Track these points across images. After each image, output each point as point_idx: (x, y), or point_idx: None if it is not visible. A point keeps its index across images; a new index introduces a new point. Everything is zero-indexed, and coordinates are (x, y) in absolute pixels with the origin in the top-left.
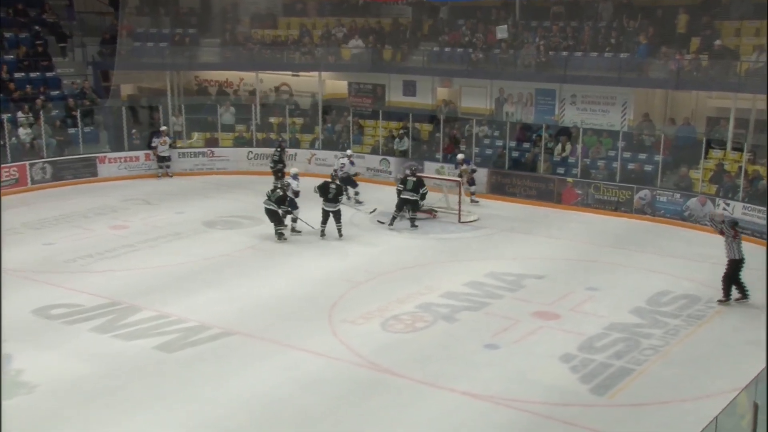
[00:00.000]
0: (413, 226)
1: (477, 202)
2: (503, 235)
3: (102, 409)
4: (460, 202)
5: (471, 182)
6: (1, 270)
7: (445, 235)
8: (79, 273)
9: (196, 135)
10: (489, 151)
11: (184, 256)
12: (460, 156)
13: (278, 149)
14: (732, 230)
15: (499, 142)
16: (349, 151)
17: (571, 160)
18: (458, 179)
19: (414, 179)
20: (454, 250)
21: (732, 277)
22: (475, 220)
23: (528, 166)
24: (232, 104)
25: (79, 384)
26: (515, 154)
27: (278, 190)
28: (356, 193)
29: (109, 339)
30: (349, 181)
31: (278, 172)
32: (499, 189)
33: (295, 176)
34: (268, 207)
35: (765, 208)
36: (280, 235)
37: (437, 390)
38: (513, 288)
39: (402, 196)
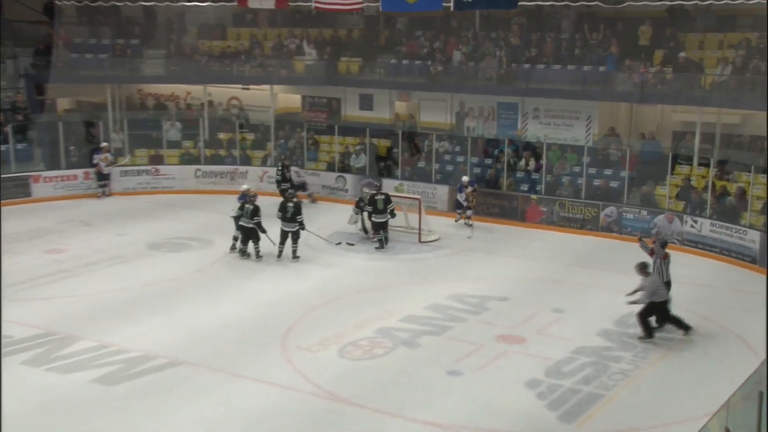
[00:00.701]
0: (382, 247)
1: (471, 225)
2: (465, 255)
3: None
4: (420, 221)
5: (472, 207)
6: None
7: (405, 256)
8: (11, 301)
9: (127, 157)
10: (450, 168)
11: (127, 281)
12: (465, 178)
13: (280, 168)
14: (663, 251)
15: (460, 158)
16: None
17: (535, 176)
18: (418, 197)
19: (383, 197)
20: (415, 271)
21: (664, 314)
22: (435, 240)
23: (490, 183)
24: (177, 119)
25: (11, 423)
26: (477, 170)
27: (247, 206)
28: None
29: (44, 372)
30: (302, 187)
31: (284, 192)
32: (460, 206)
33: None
34: (245, 225)
35: (732, 225)
36: (257, 253)
37: (398, 420)
38: (476, 311)
39: (375, 220)
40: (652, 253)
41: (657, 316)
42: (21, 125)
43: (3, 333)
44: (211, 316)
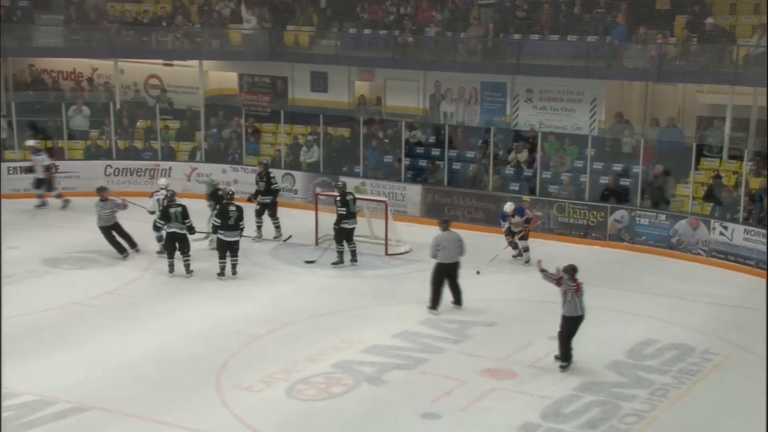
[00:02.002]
0: (342, 262)
1: (528, 261)
2: None
3: None
4: (387, 228)
5: (525, 236)
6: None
7: (369, 272)
8: None
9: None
10: (423, 163)
11: (18, 307)
12: (508, 207)
13: (261, 174)
14: (573, 281)
15: (436, 151)
16: (162, 181)
17: (528, 172)
18: (384, 199)
19: (351, 197)
20: (381, 291)
21: (567, 336)
22: (406, 252)
23: (473, 182)
24: (82, 103)
25: None
26: (456, 166)
27: (174, 210)
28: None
29: None
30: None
31: (265, 206)
32: (435, 211)
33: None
34: (177, 231)
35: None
36: (187, 267)
37: None
38: (456, 339)
39: (345, 226)
40: (558, 283)
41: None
42: None
43: None
44: (127, 349)
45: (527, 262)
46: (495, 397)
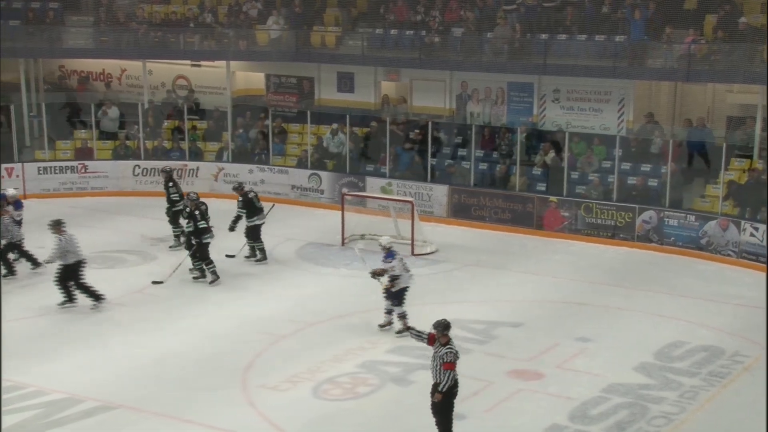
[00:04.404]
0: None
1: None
2: (468, 272)
3: None
4: (413, 228)
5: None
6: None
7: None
8: None
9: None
10: (449, 162)
11: (47, 307)
12: (385, 240)
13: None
14: (444, 337)
15: (462, 151)
16: (10, 190)
17: (556, 173)
18: (411, 199)
19: (254, 195)
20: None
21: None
22: (432, 252)
23: (500, 182)
24: (111, 104)
25: None
26: (483, 166)
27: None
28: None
29: None
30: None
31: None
32: (462, 212)
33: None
34: (208, 240)
35: None
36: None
37: None
38: (482, 339)
39: (258, 222)
40: (431, 341)
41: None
42: None
43: None
44: (154, 348)
45: (399, 332)
46: (521, 398)
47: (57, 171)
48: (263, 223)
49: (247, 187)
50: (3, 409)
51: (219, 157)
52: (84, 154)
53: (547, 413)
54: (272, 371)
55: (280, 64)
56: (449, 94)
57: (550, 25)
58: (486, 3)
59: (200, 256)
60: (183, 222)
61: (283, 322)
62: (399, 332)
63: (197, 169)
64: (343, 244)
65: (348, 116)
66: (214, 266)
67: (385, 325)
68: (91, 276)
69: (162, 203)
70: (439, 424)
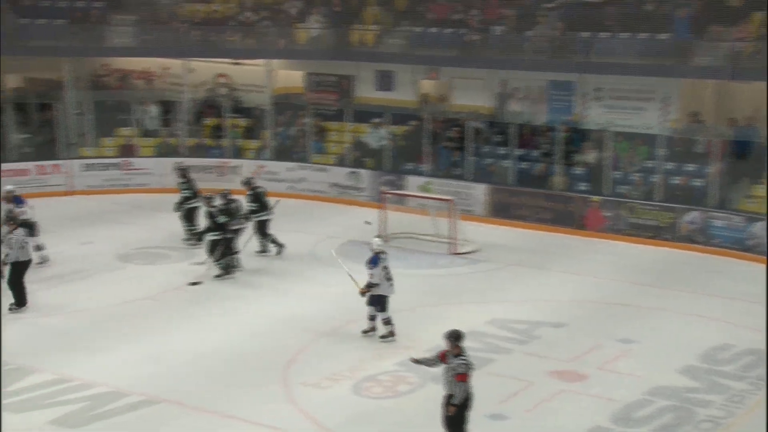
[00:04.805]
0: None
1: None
2: (509, 271)
3: None
4: (452, 227)
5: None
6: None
7: (434, 271)
8: None
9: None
10: (489, 161)
11: (92, 301)
12: (377, 243)
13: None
14: (456, 348)
15: (502, 150)
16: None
17: (598, 172)
18: (451, 198)
19: (262, 190)
20: (446, 290)
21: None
22: (472, 252)
23: (540, 182)
24: (153, 102)
25: None
26: (523, 165)
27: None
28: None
29: None
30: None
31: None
32: (502, 211)
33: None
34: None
35: None
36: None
37: None
38: (523, 339)
39: (266, 218)
40: (443, 358)
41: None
42: None
43: None
44: (196, 344)
45: (383, 337)
46: (563, 399)
47: (101, 168)
48: (271, 218)
49: (256, 183)
50: (49, 401)
51: (259, 155)
52: (127, 151)
53: (589, 415)
54: (313, 368)
55: (319, 62)
56: (489, 92)
57: (591, 23)
58: (526, 1)
59: (209, 250)
60: (203, 219)
61: (324, 319)
62: (383, 337)
63: (239, 166)
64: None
65: (387, 114)
66: (224, 263)
67: (369, 331)
68: (132, 272)
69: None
70: None
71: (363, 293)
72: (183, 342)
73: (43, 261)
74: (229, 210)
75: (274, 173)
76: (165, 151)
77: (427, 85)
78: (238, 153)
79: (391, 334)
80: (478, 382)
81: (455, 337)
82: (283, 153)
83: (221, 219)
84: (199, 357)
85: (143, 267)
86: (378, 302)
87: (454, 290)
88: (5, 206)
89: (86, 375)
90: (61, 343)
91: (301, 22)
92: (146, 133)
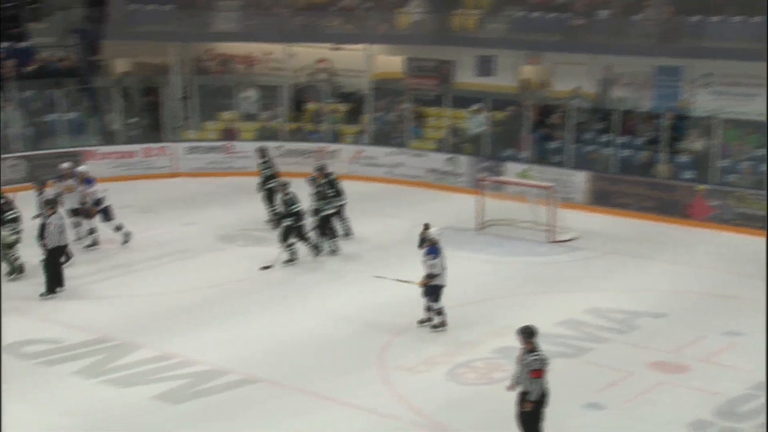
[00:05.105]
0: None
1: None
2: (609, 260)
3: None
4: (551, 216)
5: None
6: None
7: (532, 258)
8: (59, 300)
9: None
10: (590, 148)
11: (194, 281)
12: (435, 231)
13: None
14: (529, 344)
15: (604, 137)
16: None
17: (704, 161)
18: (550, 185)
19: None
20: (544, 278)
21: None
22: (571, 239)
23: (644, 169)
24: (254, 86)
25: None
26: (626, 152)
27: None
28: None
29: (98, 385)
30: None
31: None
32: (603, 199)
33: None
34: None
35: None
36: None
37: None
38: (623, 329)
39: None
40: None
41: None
42: (71, 91)
43: (52, 337)
44: (295, 325)
45: (435, 327)
46: (663, 390)
47: (204, 151)
48: (340, 207)
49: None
50: (153, 377)
51: (357, 140)
52: (229, 134)
53: (691, 408)
54: (409, 353)
55: (419, 47)
56: (593, 77)
57: (702, 6)
58: None
59: (282, 236)
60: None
61: (419, 304)
62: (435, 327)
63: (338, 151)
64: (478, 229)
65: (487, 100)
66: (294, 248)
67: (425, 321)
68: (234, 253)
69: (303, 184)
70: None
71: (424, 285)
72: (281, 323)
73: (94, 244)
74: (325, 193)
75: (372, 158)
76: (265, 135)
77: (528, 71)
78: (337, 138)
79: (443, 324)
80: (575, 371)
81: (528, 333)
82: (381, 138)
83: (296, 207)
84: (297, 339)
85: (244, 248)
86: (433, 292)
87: (552, 278)
88: (79, 188)
89: (187, 353)
90: (163, 322)
91: (402, 6)
92: (247, 117)
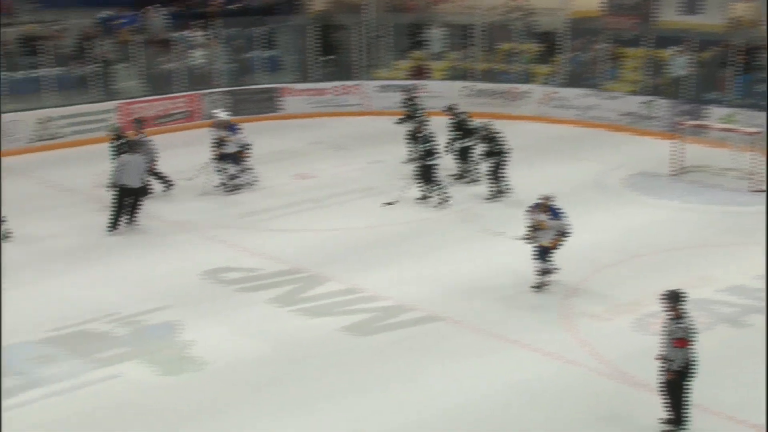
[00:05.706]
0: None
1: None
2: None
3: (273, 398)
4: (759, 163)
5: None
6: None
7: (731, 208)
8: (256, 230)
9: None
10: None
11: (381, 218)
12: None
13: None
14: (675, 311)
15: None
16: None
17: None
18: (759, 130)
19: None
20: (744, 228)
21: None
22: None
23: None
24: (444, 24)
25: (252, 366)
26: None
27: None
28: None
29: (290, 314)
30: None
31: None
32: None
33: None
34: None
35: None
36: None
37: (709, 416)
38: None
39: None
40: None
41: None
42: (270, 29)
43: (247, 266)
44: (477, 266)
45: (537, 287)
46: None
47: (395, 89)
48: (475, 144)
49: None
50: (340, 309)
51: (549, 81)
52: (418, 73)
53: None
54: (595, 299)
55: None
56: None
57: None
58: None
59: (425, 178)
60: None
61: (608, 251)
62: (537, 287)
63: (528, 92)
64: (674, 175)
65: (691, 40)
66: (442, 188)
67: (540, 286)
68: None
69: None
70: (668, 406)
71: (554, 245)
72: (462, 263)
73: (250, 183)
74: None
75: (564, 99)
76: (455, 75)
77: (740, 8)
78: (528, 78)
79: (544, 284)
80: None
81: (674, 297)
82: (574, 79)
83: (429, 146)
84: (480, 279)
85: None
86: (545, 253)
87: (751, 230)
88: (216, 133)
89: (374, 288)
90: (351, 257)
91: None
92: (438, 56)
